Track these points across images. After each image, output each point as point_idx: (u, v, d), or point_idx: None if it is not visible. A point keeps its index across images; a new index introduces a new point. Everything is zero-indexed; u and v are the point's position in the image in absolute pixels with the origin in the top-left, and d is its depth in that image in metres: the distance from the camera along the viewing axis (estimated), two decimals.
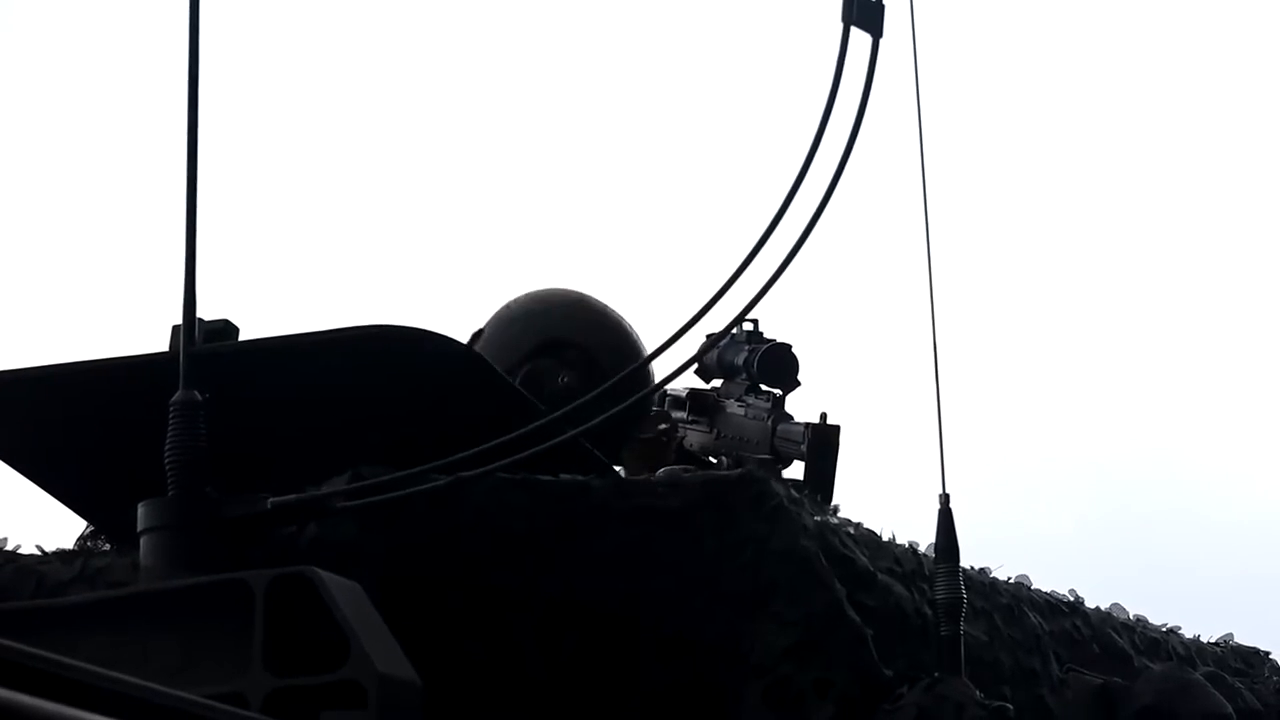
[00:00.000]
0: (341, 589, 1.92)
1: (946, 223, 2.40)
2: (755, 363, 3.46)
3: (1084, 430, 8.73)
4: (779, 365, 3.48)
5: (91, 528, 2.69)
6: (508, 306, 3.26)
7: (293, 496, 2.12)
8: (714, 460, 3.59)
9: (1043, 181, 8.55)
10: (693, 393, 3.66)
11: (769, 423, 3.45)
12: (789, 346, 3.51)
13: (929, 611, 2.45)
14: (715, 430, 3.59)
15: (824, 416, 3.40)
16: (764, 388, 3.54)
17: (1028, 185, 8.46)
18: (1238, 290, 9.20)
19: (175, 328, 2.57)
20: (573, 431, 2.10)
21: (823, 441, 3.36)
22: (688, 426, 3.64)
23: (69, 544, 2.63)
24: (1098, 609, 3.11)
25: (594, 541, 2.24)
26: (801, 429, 3.41)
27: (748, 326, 3.52)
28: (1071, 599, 3.05)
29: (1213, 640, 3.53)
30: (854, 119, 1.99)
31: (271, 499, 2.12)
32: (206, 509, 2.11)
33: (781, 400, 3.52)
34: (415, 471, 2.10)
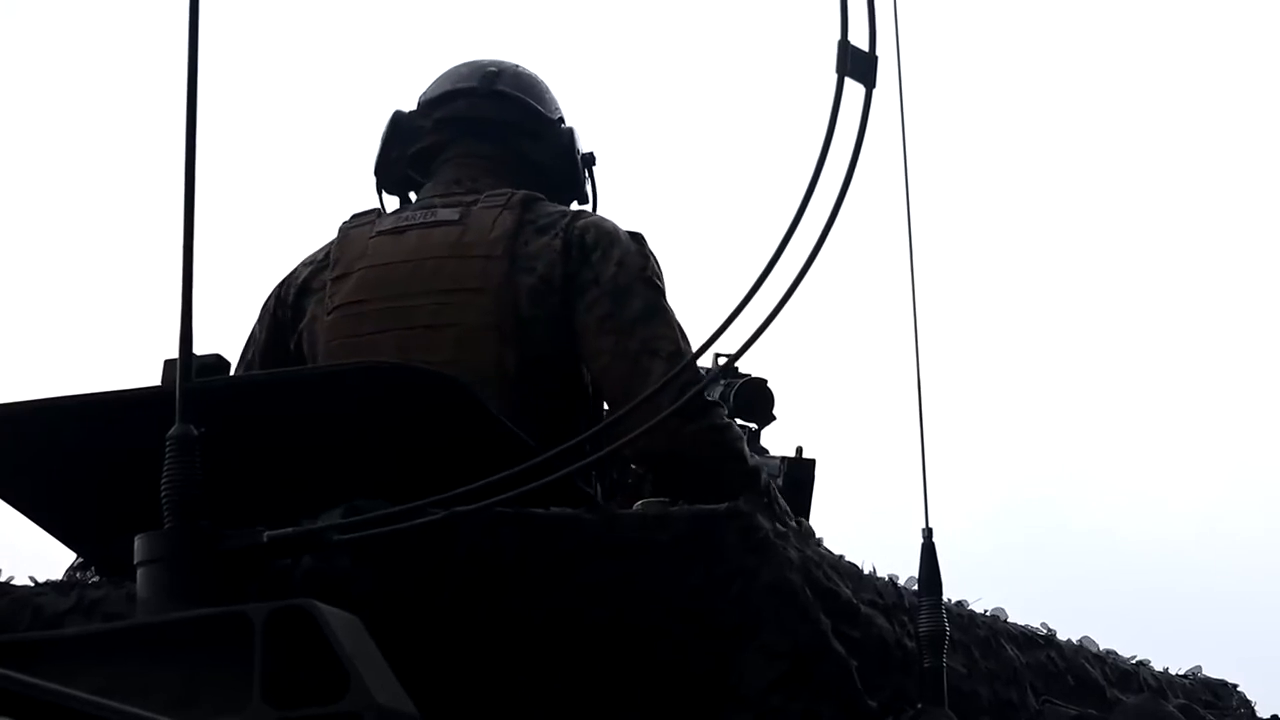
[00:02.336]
0: (340, 622, 1.94)
1: (923, 267, 2.45)
2: (731, 397, 3.49)
3: (1002, 449, 8.89)
4: (755, 400, 3.51)
5: (81, 559, 2.71)
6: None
7: (289, 530, 2.15)
8: None
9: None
10: None
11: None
12: (764, 381, 3.54)
13: (910, 643, 2.49)
14: None
15: (800, 451, 3.44)
16: (740, 422, 3.57)
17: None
18: (1146, 324, 9.43)
19: (168, 362, 2.60)
20: (565, 470, 2.13)
21: (799, 476, 3.39)
22: None
23: (58, 575, 2.66)
24: (1070, 641, 3.16)
25: (584, 574, 2.27)
26: (778, 463, 3.44)
27: (722, 360, 3.56)
28: (1045, 631, 3.09)
29: (1181, 672, 3.57)
30: (847, 168, 2.03)
31: (268, 532, 2.15)
32: (204, 542, 2.13)
33: (757, 435, 3.56)
34: (411, 506, 2.13)
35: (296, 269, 3.13)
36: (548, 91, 3.29)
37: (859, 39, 2.12)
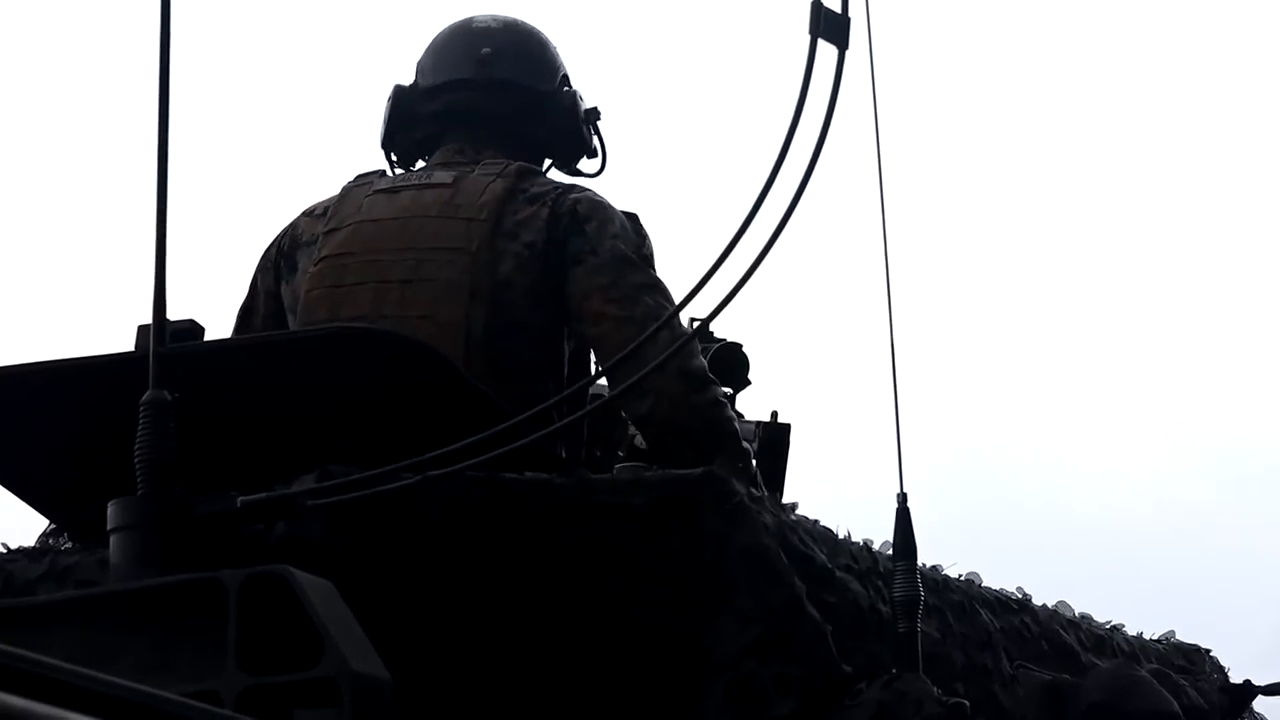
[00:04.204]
0: (315, 588, 1.93)
1: (896, 232, 2.44)
2: (706, 361, 3.49)
3: (965, 420, 8.96)
4: (730, 364, 3.51)
5: (53, 525, 2.71)
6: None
7: (262, 495, 2.13)
8: None
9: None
10: None
11: None
12: (739, 346, 3.54)
13: (884, 608, 2.50)
14: None
15: (775, 415, 3.44)
16: None
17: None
18: (1102, 296, 9.52)
19: (141, 328, 2.59)
20: (538, 434, 2.12)
21: (774, 440, 3.40)
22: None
23: (30, 540, 2.65)
24: (1044, 606, 3.16)
25: (557, 539, 2.27)
26: (753, 427, 3.44)
27: (696, 325, 3.56)
28: (1020, 596, 3.10)
29: (1155, 637, 3.58)
30: (819, 130, 2.03)
31: (241, 497, 2.14)
32: (177, 507, 2.12)
33: (732, 399, 3.56)
34: (384, 471, 2.12)
35: (297, 219, 3.14)
36: (546, 52, 3.29)
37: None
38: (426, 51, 3.29)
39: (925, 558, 2.60)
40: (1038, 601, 3.13)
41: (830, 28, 2.06)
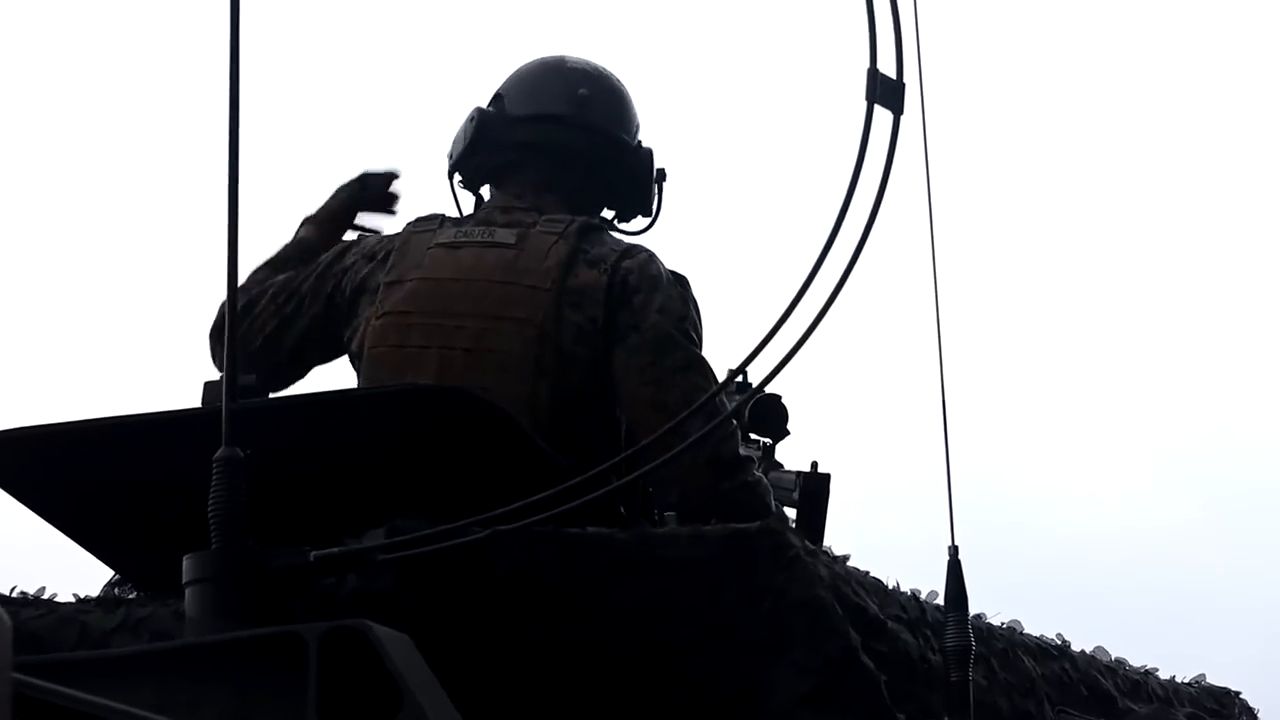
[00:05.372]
0: (393, 641, 1.99)
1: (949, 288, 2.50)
2: (746, 412, 3.54)
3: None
4: (770, 415, 3.55)
5: (117, 576, 2.76)
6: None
7: (335, 549, 2.19)
8: None
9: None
10: None
11: (760, 471, 3.53)
12: (779, 397, 3.59)
13: (933, 657, 2.55)
14: None
15: (815, 465, 3.48)
16: (755, 437, 3.62)
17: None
18: (1074, 318, 9.60)
19: (208, 384, 2.66)
20: (605, 489, 2.18)
21: (814, 489, 3.44)
22: None
23: (94, 590, 2.70)
24: (1082, 652, 3.21)
25: (619, 591, 2.33)
26: (793, 477, 3.49)
27: (738, 378, 3.60)
28: (1059, 642, 3.15)
29: (1186, 680, 3.63)
30: (876, 192, 2.09)
31: (314, 552, 2.20)
32: (251, 562, 2.18)
33: (772, 449, 3.61)
34: (455, 526, 2.18)
35: (355, 261, 3.18)
36: (630, 106, 3.35)
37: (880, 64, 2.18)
38: (513, 81, 3.33)
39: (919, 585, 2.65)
40: (1075, 647, 3.18)
41: (886, 93, 2.13)
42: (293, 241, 3.38)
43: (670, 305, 3.00)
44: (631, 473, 2.41)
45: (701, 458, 2.74)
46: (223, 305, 3.07)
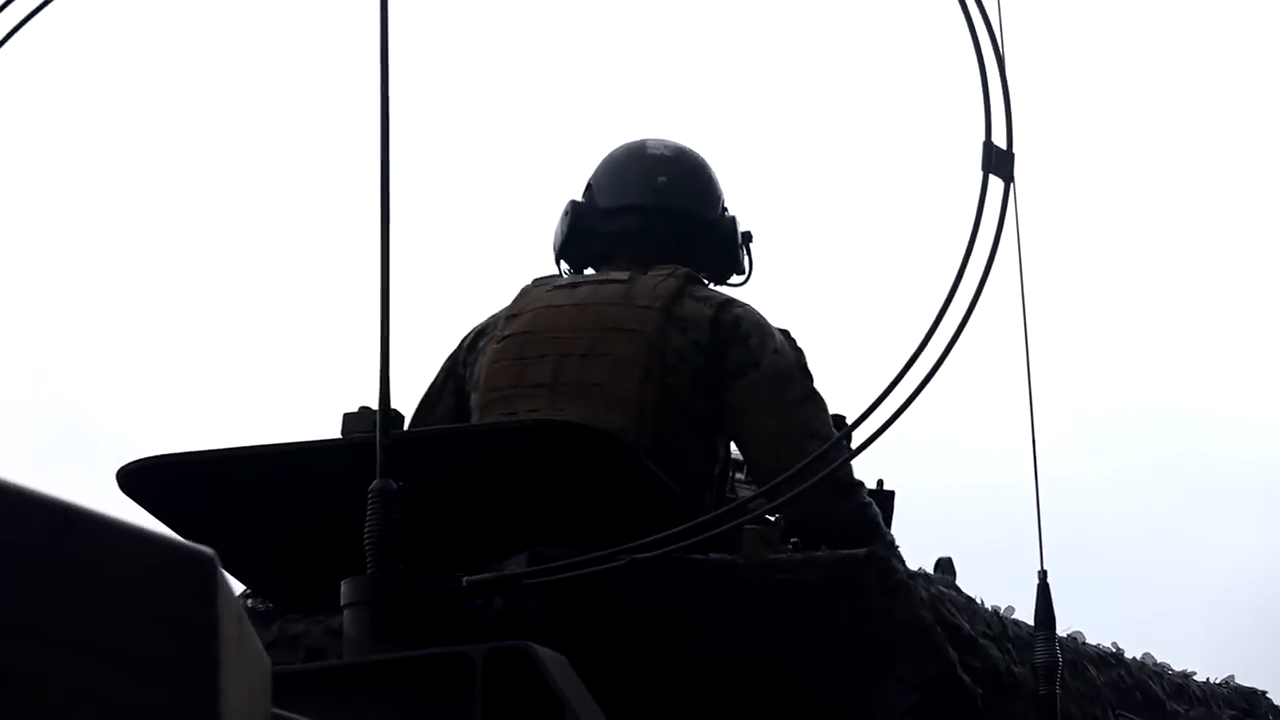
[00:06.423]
0: (553, 661, 2.18)
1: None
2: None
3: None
4: (881, 506, 3.71)
5: (249, 590, 2.94)
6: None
7: (487, 575, 2.39)
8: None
9: None
10: None
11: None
12: (843, 418, 3.76)
13: (1017, 670, 2.75)
14: None
15: (880, 483, 3.66)
16: None
17: None
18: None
19: (347, 415, 2.84)
20: (732, 523, 2.38)
21: (879, 507, 3.62)
22: None
23: None
24: (1134, 659, 3.41)
25: (740, 613, 2.53)
26: None
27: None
28: (1115, 650, 3.35)
29: (1217, 681, 3.83)
30: (987, 258, 2.28)
31: (467, 577, 2.39)
32: (407, 585, 2.37)
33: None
34: (599, 555, 2.37)
35: (486, 320, 3.39)
36: (712, 183, 3.54)
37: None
38: (602, 170, 3.53)
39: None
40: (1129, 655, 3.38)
41: (999, 163, 2.32)
42: None
43: (784, 349, 3.21)
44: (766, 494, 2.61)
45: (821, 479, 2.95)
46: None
